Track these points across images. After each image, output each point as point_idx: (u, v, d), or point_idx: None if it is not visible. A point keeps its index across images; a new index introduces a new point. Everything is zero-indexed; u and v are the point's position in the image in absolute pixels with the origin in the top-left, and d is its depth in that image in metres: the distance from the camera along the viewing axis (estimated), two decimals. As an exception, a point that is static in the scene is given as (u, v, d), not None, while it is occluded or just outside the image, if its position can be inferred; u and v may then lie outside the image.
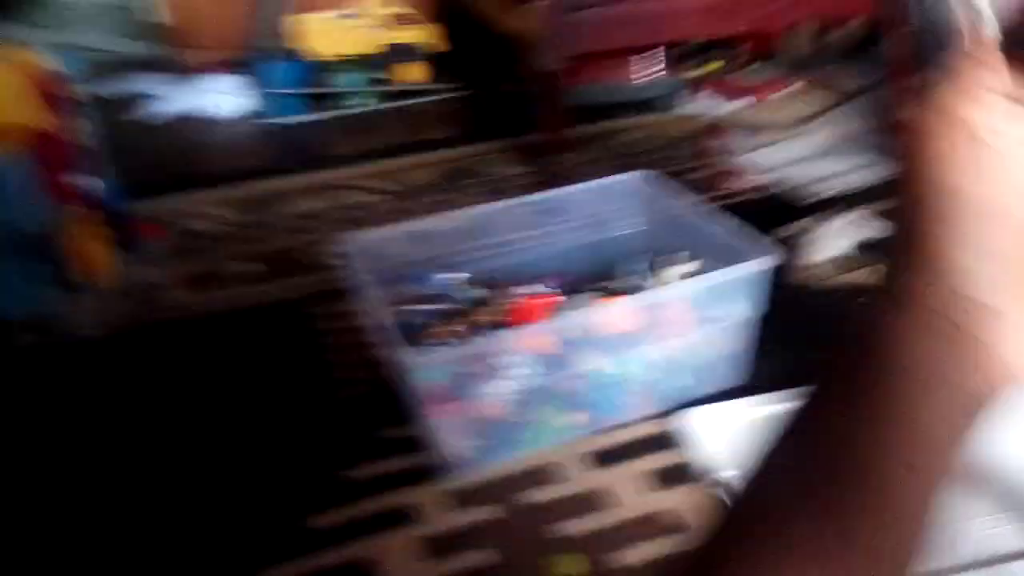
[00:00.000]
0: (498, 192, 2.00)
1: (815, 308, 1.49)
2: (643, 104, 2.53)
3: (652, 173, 1.49)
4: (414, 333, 1.29)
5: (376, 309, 1.17)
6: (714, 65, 2.85)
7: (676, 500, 1.12)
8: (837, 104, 2.42)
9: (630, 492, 1.15)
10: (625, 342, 1.21)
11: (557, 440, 1.23)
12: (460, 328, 1.32)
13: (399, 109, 2.69)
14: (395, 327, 1.12)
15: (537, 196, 1.49)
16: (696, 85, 2.61)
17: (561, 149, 1.95)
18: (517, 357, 1.19)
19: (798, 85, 2.60)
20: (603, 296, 1.38)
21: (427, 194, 2.07)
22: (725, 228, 1.29)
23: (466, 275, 1.41)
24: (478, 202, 1.52)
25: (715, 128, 2.33)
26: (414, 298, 1.36)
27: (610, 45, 1.97)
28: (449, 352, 1.13)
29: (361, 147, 2.38)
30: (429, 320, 1.34)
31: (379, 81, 2.71)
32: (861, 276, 1.55)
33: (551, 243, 1.49)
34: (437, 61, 2.79)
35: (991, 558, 0.95)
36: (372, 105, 2.69)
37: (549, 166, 2.00)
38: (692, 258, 1.38)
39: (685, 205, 1.41)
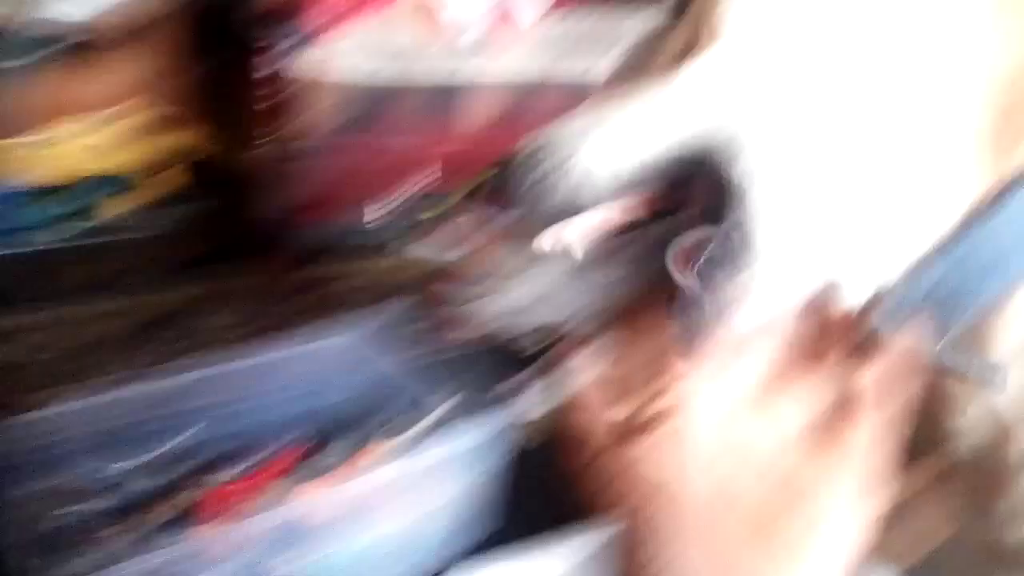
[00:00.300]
0: (202, 347, 1.81)
1: (541, 462, 1.46)
2: (371, 247, 2.49)
3: (373, 326, 1.43)
4: (74, 539, 1.07)
5: (21, 509, 0.95)
6: (442, 210, 2.90)
7: None
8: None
9: None
10: (337, 528, 1.10)
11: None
12: (134, 529, 1.12)
13: (90, 246, 2.42)
14: (47, 534, 0.92)
15: (241, 355, 1.35)
16: (425, 230, 2.62)
17: (280, 294, 1.84)
18: (208, 563, 1.02)
19: (514, 232, 2.68)
20: (312, 476, 1.25)
21: (113, 350, 1.83)
22: (446, 386, 1.26)
23: (135, 463, 1.21)
24: (178, 359, 1.35)
25: (442, 274, 2.32)
26: (76, 492, 1.14)
27: (332, 192, 1.93)
28: (113, 567, 0.94)
29: (34, 289, 2.08)
30: (93, 521, 1.12)
31: (67, 214, 2.44)
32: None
33: (254, 414, 1.34)
34: (143, 197, 2.59)
35: None
36: (55, 240, 2.39)
37: (265, 315, 1.86)
38: (411, 423, 1.32)
39: (407, 363, 1.36)
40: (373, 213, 2.50)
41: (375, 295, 2.17)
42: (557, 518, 1.20)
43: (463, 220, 2.70)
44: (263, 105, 1.62)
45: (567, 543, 1.18)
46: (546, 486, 1.29)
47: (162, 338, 1.87)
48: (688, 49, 0.44)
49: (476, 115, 1.90)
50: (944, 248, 0.43)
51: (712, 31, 0.42)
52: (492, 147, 1.95)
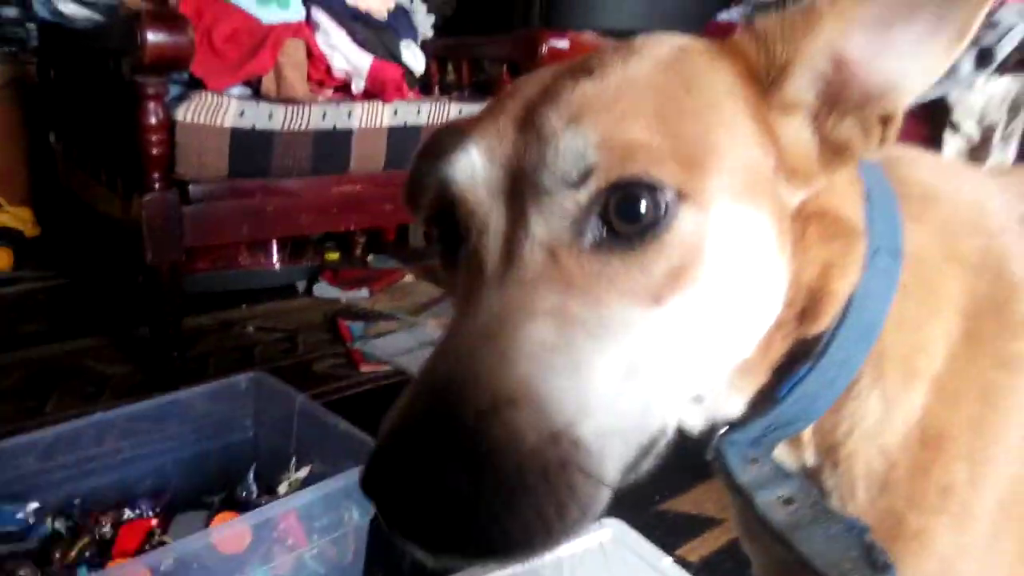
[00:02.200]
0: (97, 397, 1.80)
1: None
2: (265, 293, 2.51)
3: (263, 374, 1.45)
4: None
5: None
6: (333, 256, 2.93)
7: None
8: (444, 294, 2.60)
9: None
10: (230, 566, 1.11)
11: None
12: (30, 572, 1.12)
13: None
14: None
15: (134, 405, 1.36)
16: (317, 274, 2.65)
17: (173, 344, 1.82)
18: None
19: (410, 276, 2.75)
20: (208, 515, 1.27)
21: (6, 402, 1.80)
22: (337, 428, 1.27)
23: (41, 507, 1.21)
24: (72, 409, 1.34)
25: (336, 318, 2.35)
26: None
27: (223, 238, 1.92)
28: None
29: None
30: (10, 561, 1.12)
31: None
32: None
33: (152, 457, 1.35)
34: (28, 248, 2.53)
35: None
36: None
37: (159, 364, 1.85)
38: (303, 463, 1.34)
39: (298, 406, 1.37)
40: (261, 261, 2.52)
41: (269, 340, 2.20)
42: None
43: (365, 262, 2.74)
44: (155, 151, 1.62)
45: None
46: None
47: (59, 388, 1.85)
48: None
49: (368, 157, 1.95)
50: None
51: None
52: (386, 188, 2.02)
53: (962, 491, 0.53)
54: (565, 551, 1.26)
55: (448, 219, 0.50)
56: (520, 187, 0.46)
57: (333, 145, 1.86)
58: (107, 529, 1.21)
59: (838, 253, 0.53)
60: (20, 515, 1.20)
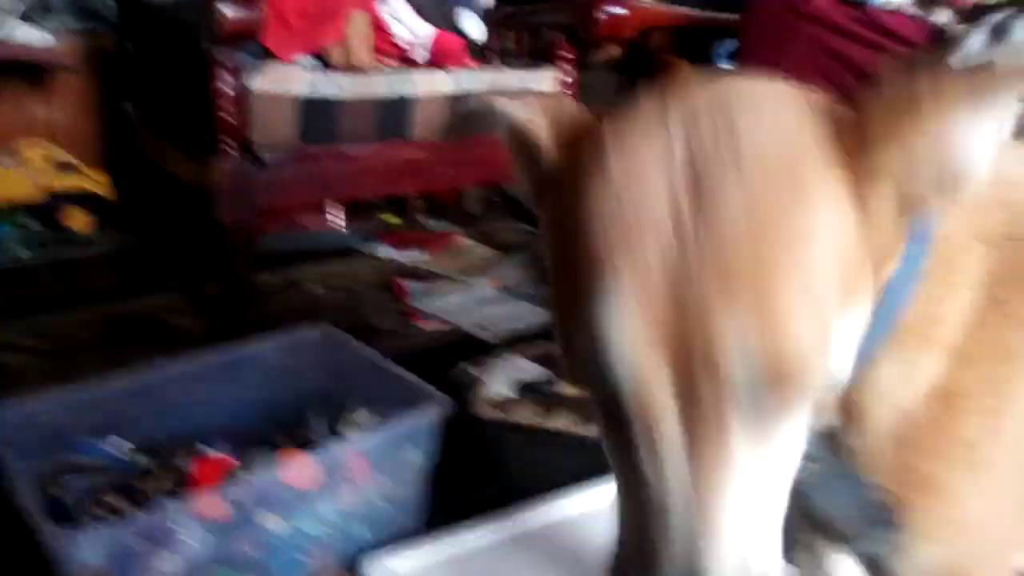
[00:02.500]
0: (172, 348, 1.92)
1: (482, 448, 1.60)
2: (328, 253, 2.61)
3: (329, 327, 1.54)
4: (72, 509, 1.19)
5: (22, 485, 1.07)
6: (393, 218, 3.03)
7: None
8: (499, 256, 2.67)
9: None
10: (301, 500, 1.22)
11: (235, 609, 1.18)
12: (124, 501, 1.24)
13: (61, 261, 2.51)
14: (44, 504, 1.03)
15: (209, 355, 1.47)
16: (378, 236, 2.75)
17: (243, 300, 1.94)
18: (186, 527, 1.14)
19: (465, 240, 2.83)
20: (279, 455, 1.37)
21: (90, 352, 1.93)
22: (399, 378, 1.36)
23: (128, 444, 1.33)
24: (150, 359, 1.46)
25: (394, 277, 2.45)
26: (72, 470, 1.26)
27: (292, 201, 2.02)
28: (106, 528, 1.06)
29: (11, 301, 2.18)
30: (89, 494, 1.24)
31: (38, 231, 2.52)
32: (521, 415, 1.69)
33: (225, 403, 1.46)
34: (105, 210, 2.67)
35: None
36: (29, 256, 2.48)
37: (230, 318, 1.97)
38: (368, 410, 1.43)
39: (361, 357, 1.47)
40: (325, 222, 2.63)
41: (334, 298, 2.31)
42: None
43: (423, 225, 2.83)
44: (230, 119, 1.72)
45: (496, 523, 1.29)
46: (468, 477, 1.42)
47: (137, 340, 1.98)
48: None
49: (429, 124, 2.02)
50: None
51: None
52: (446, 153, 2.10)
53: (978, 443, 0.58)
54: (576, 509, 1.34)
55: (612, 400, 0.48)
56: (688, 381, 0.45)
57: (396, 113, 1.94)
58: (187, 464, 1.32)
59: (886, 255, 0.54)
60: (107, 450, 1.32)
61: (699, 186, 0.46)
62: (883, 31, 1.59)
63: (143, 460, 1.34)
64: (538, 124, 0.57)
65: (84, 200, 2.62)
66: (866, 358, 0.56)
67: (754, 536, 0.45)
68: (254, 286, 2.14)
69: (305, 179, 1.87)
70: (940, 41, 1.55)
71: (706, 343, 0.44)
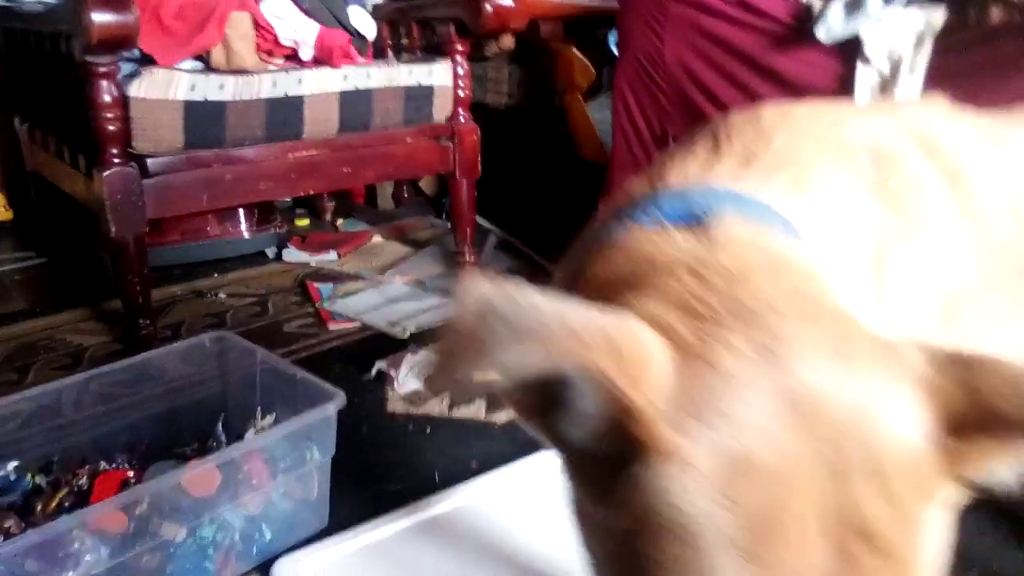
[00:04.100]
0: (76, 367, 1.89)
1: (393, 442, 1.60)
2: (236, 261, 2.58)
3: (227, 334, 1.53)
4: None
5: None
6: (302, 222, 3.00)
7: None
8: (412, 252, 2.68)
9: (216, 661, 1.12)
10: (201, 507, 1.21)
11: (139, 623, 1.16)
12: (20, 523, 1.21)
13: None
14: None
15: (104, 368, 1.44)
16: (289, 241, 2.72)
17: (144, 314, 1.90)
18: (83, 542, 1.12)
19: (378, 238, 2.82)
20: (178, 465, 1.36)
21: (-4, 374, 1.88)
22: (300, 380, 1.36)
23: (15, 463, 1.30)
24: (51, 380, 1.43)
25: (303, 280, 2.43)
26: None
27: (183, 209, 1.98)
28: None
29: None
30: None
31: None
32: (431, 407, 1.70)
33: (126, 417, 1.43)
34: (1, 230, 2.59)
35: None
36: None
37: (132, 334, 1.93)
38: (267, 413, 1.42)
39: (263, 362, 1.46)
40: (228, 230, 2.59)
41: (240, 305, 2.28)
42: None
43: (335, 226, 2.81)
44: (110, 127, 1.68)
45: (402, 514, 1.29)
46: (374, 474, 1.43)
47: (37, 361, 1.93)
48: None
49: (321, 122, 2.01)
50: None
51: None
52: (342, 152, 2.09)
53: None
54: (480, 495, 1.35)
55: None
56: None
57: (285, 112, 1.92)
58: (84, 481, 1.30)
59: None
60: (2, 472, 1.29)
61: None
62: (749, 8, 1.64)
63: (39, 480, 1.31)
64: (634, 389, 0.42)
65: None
66: None
67: None
68: (157, 299, 2.11)
69: (195, 186, 1.84)
70: (806, 18, 1.60)
71: None
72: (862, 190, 0.64)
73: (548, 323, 0.39)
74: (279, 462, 1.27)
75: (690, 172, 0.63)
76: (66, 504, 1.27)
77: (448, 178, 2.32)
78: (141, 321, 1.88)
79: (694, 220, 0.55)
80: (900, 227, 0.64)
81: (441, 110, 2.23)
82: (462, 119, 2.26)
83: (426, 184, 3.22)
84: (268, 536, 1.28)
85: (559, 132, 2.65)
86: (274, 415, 1.42)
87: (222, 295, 2.34)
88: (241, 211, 2.58)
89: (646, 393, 0.41)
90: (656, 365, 0.42)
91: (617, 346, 0.41)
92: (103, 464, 1.35)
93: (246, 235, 2.61)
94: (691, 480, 0.40)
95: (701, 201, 0.56)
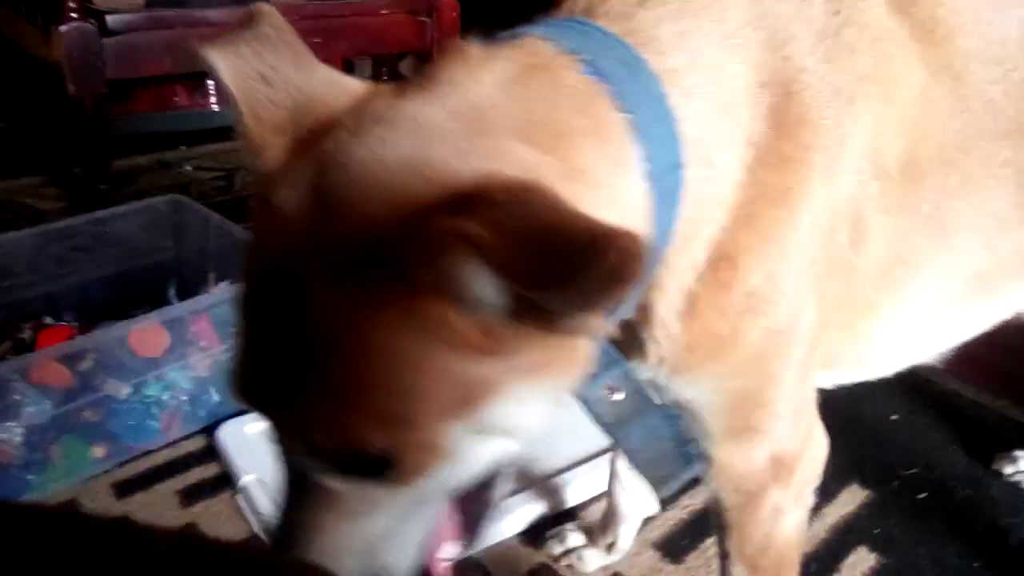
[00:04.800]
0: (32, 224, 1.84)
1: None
2: (205, 134, 2.51)
3: (181, 197, 1.49)
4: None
5: None
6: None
7: (204, 513, 1.13)
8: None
9: (154, 518, 1.12)
10: (147, 366, 1.19)
11: (74, 477, 1.16)
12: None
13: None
14: None
15: (56, 224, 1.41)
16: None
17: (102, 178, 1.85)
18: (24, 393, 1.11)
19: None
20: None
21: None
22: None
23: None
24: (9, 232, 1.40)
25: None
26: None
27: (148, 72, 1.91)
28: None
29: None
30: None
31: None
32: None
33: (77, 276, 1.41)
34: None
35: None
36: None
37: (92, 199, 1.89)
38: (221, 280, 1.40)
39: (217, 227, 1.42)
40: (215, 97, 2.50)
41: (204, 178, 2.22)
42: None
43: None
44: None
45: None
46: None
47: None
48: None
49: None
50: None
51: None
52: (310, 20, 1.99)
53: (762, 289, 0.59)
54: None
55: None
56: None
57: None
58: (27, 335, 1.28)
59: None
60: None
61: None
62: None
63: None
64: (247, 108, 0.50)
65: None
66: (646, 279, 0.56)
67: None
68: (121, 168, 2.06)
69: (156, 47, 1.77)
70: None
71: None
72: (767, 45, 0.59)
73: None
74: (228, 326, 1.25)
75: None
76: (7, 357, 1.25)
77: (426, 58, 2.23)
78: (100, 186, 1.84)
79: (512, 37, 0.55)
80: (839, 84, 0.60)
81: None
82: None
83: (407, 70, 3.11)
84: (216, 398, 1.27)
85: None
86: (228, 283, 1.39)
87: (188, 167, 2.29)
88: (211, 82, 2.49)
89: None
90: None
91: None
92: (49, 320, 1.32)
93: (215, 107, 2.53)
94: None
95: (543, 26, 0.56)
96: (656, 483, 0.68)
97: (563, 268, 0.39)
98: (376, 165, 0.45)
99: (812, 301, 0.62)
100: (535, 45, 0.54)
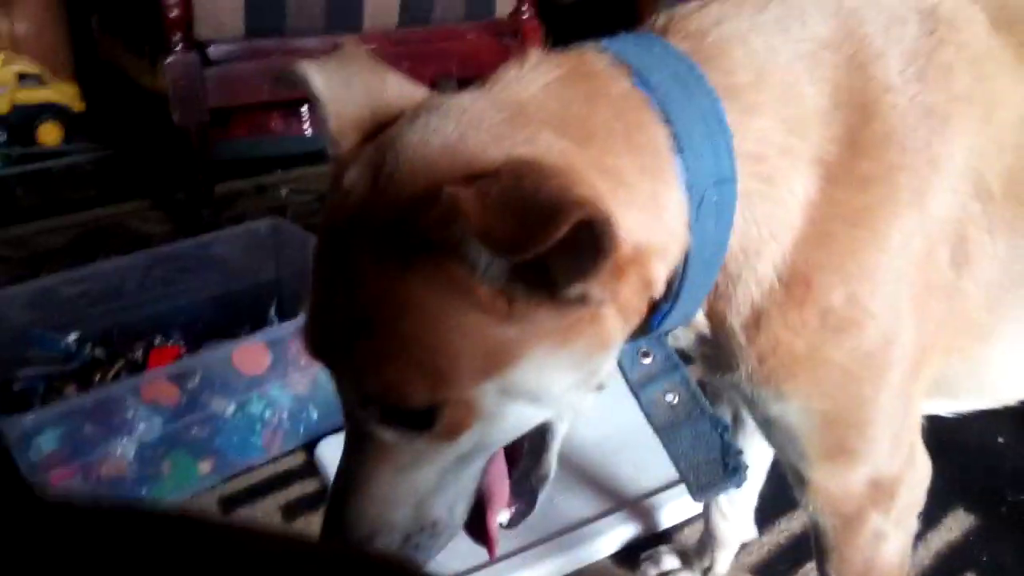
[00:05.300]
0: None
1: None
2: (300, 158, 2.59)
3: (280, 220, 1.54)
4: (29, 399, 1.23)
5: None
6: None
7: (305, 528, 1.16)
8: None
9: (260, 528, 1.16)
10: (250, 384, 1.24)
11: (186, 491, 1.21)
12: (79, 391, 1.26)
13: (32, 172, 2.50)
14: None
15: (163, 248, 1.48)
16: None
17: (205, 202, 1.93)
18: (137, 409, 1.17)
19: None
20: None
21: (61, 259, 1.94)
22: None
23: (77, 334, 1.36)
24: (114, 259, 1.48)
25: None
26: (30, 363, 1.29)
27: (250, 99, 1.99)
28: (56, 411, 1.09)
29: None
30: (46, 385, 1.27)
31: (9, 144, 2.51)
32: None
33: (182, 298, 1.48)
34: (75, 121, 2.65)
35: (563, 527, 1.10)
36: (1, 170, 2.47)
37: (194, 223, 1.97)
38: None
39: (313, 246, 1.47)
40: (308, 122, 2.59)
41: (302, 201, 2.30)
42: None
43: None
44: (173, 13, 1.68)
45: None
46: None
47: (106, 247, 1.99)
48: None
49: (381, 13, 1.97)
50: None
51: None
52: (402, 45, 2.03)
53: (844, 309, 0.59)
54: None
55: None
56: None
57: (346, 1, 1.89)
58: (139, 354, 1.34)
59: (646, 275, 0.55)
60: (64, 343, 1.34)
61: None
62: None
63: (98, 352, 1.36)
64: (332, 109, 0.58)
65: (54, 112, 2.59)
66: (706, 291, 0.59)
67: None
68: (221, 193, 2.13)
69: (256, 75, 1.84)
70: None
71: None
72: (854, 63, 0.58)
73: None
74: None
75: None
76: (122, 375, 1.31)
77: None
78: (203, 211, 1.92)
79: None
80: (931, 104, 0.58)
81: (504, 4, 2.16)
82: (525, 15, 2.19)
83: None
84: (315, 416, 1.31)
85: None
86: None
87: (284, 191, 2.37)
88: (305, 108, 2.57)
89: None
90: None
91: None
92: (159, 339, 1.39)
93: (308, 132, 2.61)
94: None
95: (608, 40, 0.60)
96: (697, 489, 0.69)
97: (524, 236, 0.43)
98: (421, 147, 0.51)
99: (911, 323, 0.61)
100: (589, 55, 0.58)
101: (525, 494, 0.65)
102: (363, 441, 0.56)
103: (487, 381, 0.52)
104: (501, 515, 0.64)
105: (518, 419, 0.56)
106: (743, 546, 1.08)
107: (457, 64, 2.18)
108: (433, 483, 0.57)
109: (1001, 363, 0.70)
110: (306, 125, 2.61)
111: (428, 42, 2.06)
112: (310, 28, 1.88)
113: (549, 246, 0.43)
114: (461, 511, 0.60)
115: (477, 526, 0.63)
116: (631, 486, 1.18)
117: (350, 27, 1.93)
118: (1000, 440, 1.31)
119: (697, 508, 1.10)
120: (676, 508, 1.14)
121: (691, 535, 1.12)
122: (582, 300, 0.50)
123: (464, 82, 2.60)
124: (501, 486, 0.64)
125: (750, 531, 1.06)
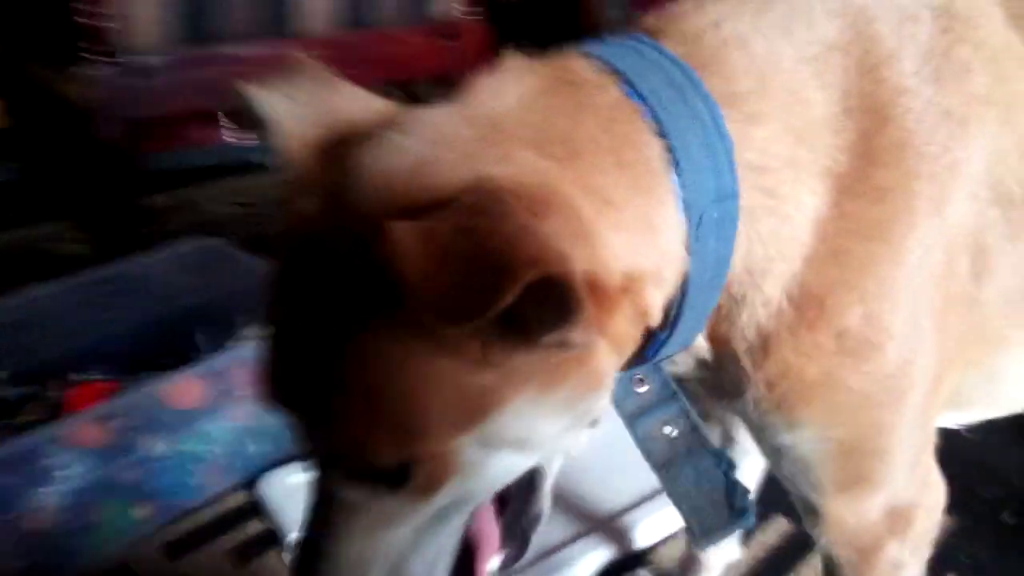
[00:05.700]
0: (56, 277, 1.81)
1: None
2: (231, 169, 2.48)
3: (211, 239, 1.45)
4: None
5: None
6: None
7: (257, 572, 1.08)
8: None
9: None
10: (189, 418, 1.15)
11: (123, 541, 1.11)
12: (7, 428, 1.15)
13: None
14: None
15: (82, 277, 1.37)
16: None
17: (131, 222, 1.83)
18: (65, 455, 1.06)
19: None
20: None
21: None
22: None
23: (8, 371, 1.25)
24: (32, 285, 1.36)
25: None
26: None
27: (178, 110, 1.89)
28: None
29: None
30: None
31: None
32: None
33: (105, 326, 1.37)
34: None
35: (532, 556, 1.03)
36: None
37: (118, 243, 1.86)
38: (252, 323, 1.35)
39: (248, 269, 1.38)
40: (224, 135, 2.48)
41: (235, 213, 2.19)
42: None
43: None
44: (92, 23, 1.59)
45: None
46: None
47: (25, 269, 1.86)
48: None
49: (317, 17, 1.89)
50: None
51: None
52: (341, 50, 1.97)
53: (861, 331, 0.54)
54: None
55: None
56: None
57: (279, 3, 1.81)
58: (59, 392, 1.24)
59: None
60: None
61: None
62: None
63: (20, 390, 1.25)
64: (281, 130, 0.51)
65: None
66: (705, 316, 0.54)
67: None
68: (148, 207, 2.03)
69: (186, 86, 1.75)
70: None
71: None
72: (863, 63, 0.54)
73: None
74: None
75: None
76: (50, 414, 1.20)
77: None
78: (132, 225, 1.81)
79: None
80: (949, 106, 0.54)
81: (442, 4, 2.08)
82: (459, 12, 2.11)
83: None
84: (259, 451, 1.22)
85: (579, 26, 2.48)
86: (257, 325, 1.34)
87: (216, 205, 2.26)
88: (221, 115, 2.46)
89: None
90: None
91: None
92: (81, 374, 1.28)
93: (230, 141, 2.49)
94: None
95: (595, 43, 0.55)
96: (701, 534, 0.64)
97: (463, 299, 0.38)
98: (381, 169, 0.45)
99: (932, 340, 0.56)
100: (573, 62, 0.52)
101: (516, 537, 0.60)
102: (331, 497, 0.50)
103: (465, 434, 0.46)
104: (491, 561, 0.59)
105: (502, 470, 0.50)
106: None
107: (400, 68, 2.10)
108: (410, 542, 0.51)
109: (1016, 372, 0.66)
110: (226, 134, 2.50)
111: (367, 46, 1.98)
112: (241, 35, 1.80)
113: (493, 312, 0.37)
114: (442, 569, 0.54)
115: None
116: (601, 506, 1.12)
117: (282, 31, 1.85)
118: (972, 437, 1.29)
119: (675, 525, 1.05)
120: (651, 526, 1.09)
121: (669, 554, 1.07)
122: (562, 345, 0.45)
123: (402, 86, 2.55)
124: (490, 530, 0.59)
125: (734, 552, 1.01)
